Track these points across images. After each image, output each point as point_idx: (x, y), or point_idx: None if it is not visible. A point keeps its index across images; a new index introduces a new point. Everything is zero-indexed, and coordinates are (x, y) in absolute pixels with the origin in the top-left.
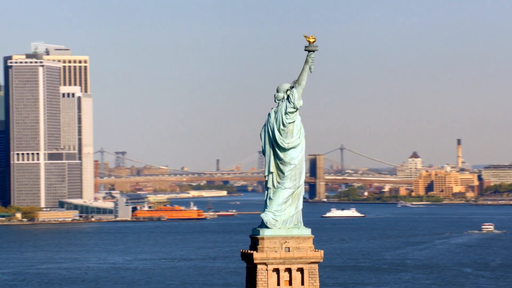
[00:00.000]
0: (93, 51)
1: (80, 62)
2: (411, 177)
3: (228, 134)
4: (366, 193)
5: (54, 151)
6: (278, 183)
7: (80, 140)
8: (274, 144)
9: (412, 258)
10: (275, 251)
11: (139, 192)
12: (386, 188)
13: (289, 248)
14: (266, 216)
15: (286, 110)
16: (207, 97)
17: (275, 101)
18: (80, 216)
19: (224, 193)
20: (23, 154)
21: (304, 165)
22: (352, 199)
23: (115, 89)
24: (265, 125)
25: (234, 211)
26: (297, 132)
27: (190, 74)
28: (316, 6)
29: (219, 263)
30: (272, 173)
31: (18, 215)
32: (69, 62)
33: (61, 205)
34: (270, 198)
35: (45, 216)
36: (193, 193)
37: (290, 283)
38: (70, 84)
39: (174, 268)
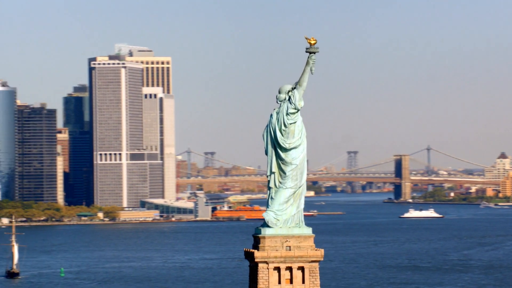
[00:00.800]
0: (176, 52)
1: (162, 63)
2: (499, 178)
3: (317, 134)
4: (452, 194)
5: (136, 152)
6: (280, 183)
7: (162, 140)
8: (275, 144)
9: (477, 259)
10: (276, 250)
11: (226, 192)
12: (473, 189)
13: (290, 247)
14: (268, 216)
15: (287, 111)
16: None
17: (277, 102)
18: (161, 216)
19: (312, 193)
20: (105, 154)
21: (306, 165)
22: (438, 200)
23: (197, 89)
24: (267, 125)
25: (315, 211)
26: (298, 132)
27: (274, 74)
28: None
29: None
30: (274, 173)
31: (100, 214)
32: (152, 63)
33: (142, 205)
34: (271, 198)
35: (126, 215)
36: None
37: (291, 282)
38: (152, 85)
39: (239, 267)
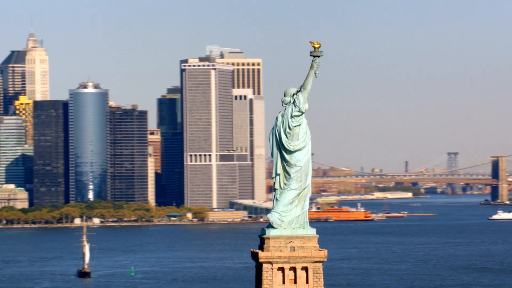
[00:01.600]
0: (266, 54)
1: (253, 64)
2: None
3: (417, 135)
4: None
5: (226, 153)
6: (285, 184)
7: (251, 141)
8: (280, 146)
9: None
10: (280, 251)
11: (322, 193)
12: None
13: (294, 247)
14: (272, 217)
15: (292, 114)
16: (393, 99)
17: (282, 105)
18: (249, 217)
19: (409, 194)
20: (195, 155)
21: (311, 167)
22: None
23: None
24: (273, 128)
25: (405, 212)
26: (302, 135)
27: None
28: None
29: (351, 263)
30: (279, 174)
31: (189, 215)
32: (242, 65)
33: (231, 205)
34: (276, 199)
35: (214, 216)
36: (377, 195)
37: (295, 282)
38: (243, 87)
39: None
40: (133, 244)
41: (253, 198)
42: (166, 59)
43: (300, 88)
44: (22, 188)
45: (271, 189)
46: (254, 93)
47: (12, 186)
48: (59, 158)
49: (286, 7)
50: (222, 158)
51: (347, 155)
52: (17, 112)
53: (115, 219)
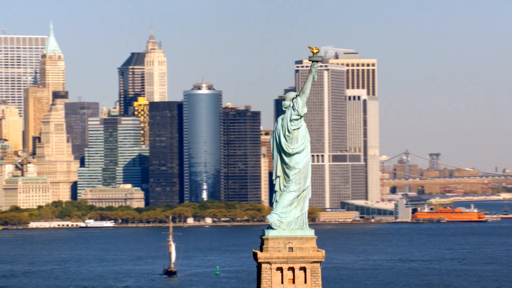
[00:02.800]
0: (381, 54)
1: (368, 65)
2: None
3: None
4: None
5: (339, 153)
6: (284, 186)
7: (365, 142)
8: (280, 149)
9: None
10: (279, 251)
11: (448, 194)
12: None
13: (292, 248)
14: (272, 218)
15: (291, 118)
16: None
17: (282, 109)
18: (361, 217)
19: None
20: None
21: (310, 169)
22: None
23: (402, 91)
24: (273, 131)
25: None
26: (301, 138)
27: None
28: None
29: (444, 264)
30: (279, 177)
31: None
32: (357, 65)
33: (343, 206)
34: (276, 201)
35: (326, 216)
36: (504, 195)
37: (293, 282)
38: (357, 87)
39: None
40: (235, 244)
41: (366, 198)
42: (282, 60)
43: (299, 93)
44: (138, 188)
45: (393, 189)
46: (368, 94)
47: (128, 186)
48: (174, 159)
49: (402, 7)
50: (335, 158)
51: (472, 156)
52: (136, 113)
53: (227, 219)
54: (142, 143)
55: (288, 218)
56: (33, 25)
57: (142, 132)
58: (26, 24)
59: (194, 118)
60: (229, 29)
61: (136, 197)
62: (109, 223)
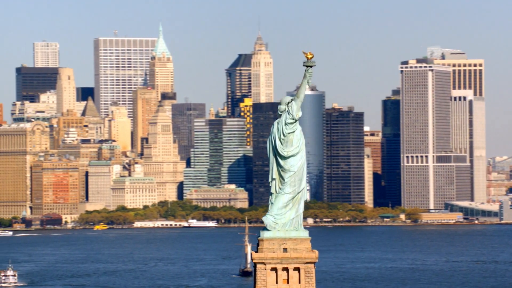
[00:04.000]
0: (489, 54)
1: (475, 65)
2: None
3: None
4: None
5: (443, 154)
6: (280, 188)
7: (471, 143)
8: (275, 152)
9: None
10: (274, 252)
11: None
12: None
13: (286, 249)
14: (267, 219)
15: (286, 121)
16: None
17: (278, 113)
18: (465, 218)
19: None
20: (412, 157)
21: (305, 172)
22: None
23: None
24: (270, 135)
25: None
26: (296, 141)
27: None
28: None
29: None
30: (274, 179)
31: (402, 216)
32: (464, 65)
33: (447, 207)
34: (271, 203)
35: (428, 217)
36: None
37: (288, 282)
38: (464, 88)
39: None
40: (330, 244)
41: (472, 199)
42: (386, 60)
43: (294, 97)
44: (242, 188)
45: (511, 190)
46: (475, 94)
47: (233, 186)
48: None
49: (510, 6)
50: (439, 159)
51: None
52: (242, 114)
53: (329, 219)
54: (248, 144)
55: (283, 220)
56: (143, 27)
57: (247, 133)
58: (136, 26)
59: None
60: (333, 30)
61: (240, 198)
62: (211, 223)
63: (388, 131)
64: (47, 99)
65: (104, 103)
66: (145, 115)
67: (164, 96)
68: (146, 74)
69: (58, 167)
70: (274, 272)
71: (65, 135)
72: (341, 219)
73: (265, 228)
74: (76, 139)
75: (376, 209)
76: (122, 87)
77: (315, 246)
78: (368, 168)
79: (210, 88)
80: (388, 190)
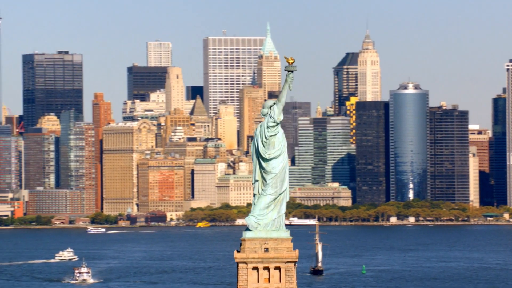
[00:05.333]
0: None
1: None
2: None
3: None
4: None
5: None
6: (262, 190)
7: None
8: (258, 155)
9: None
10: (255, 251)
11: None
12: None
13: (267, 248)
14: (249, 220)
15: (267, 125)
16: None
17: (261, 116)
18: None
19: None
20: None
21: (287, 174)
22: None
23: None
24: (253, 137)
25: None
26: (278, 144)
27: None
28: None
29: None
30: (257, 181)
31: (506, 215)
32: None
33: None
34: (254, 204)
35: None
36: None
37: (269, 281)
38: None
39: None
40: (419, 243)
41: None
42: (494, 58)
43: (276, 101)
44: (345, 187)
45: None
46: None
47: (336, 184)
48: (380, 158)
49: None
50: None
51: None
52: (348, 112)
53: (431, 218)
54: (353, 142)
55: (265, 220)
56: (251, 26)
57: (353, 132)
58: (244, 26)
59: (400, 118)
60: (439, 29)
61: (343, 196)
62: (312, 221)
63: (498, 130)
64: (157, 97)
65: (213, 102)
66: (251, 113)
67: (271, 95)
68: (254, 73)
69: (163, 165)
70: (255, 271)
71: (172, 134)
72: (444, 218)
73: (247, 229)
74: (183, 138)
75: (481, 208)
76: (231, 86)
77: (397, 246)
78: (474, 166)
79: (317, 87)
80: (496, 189)
